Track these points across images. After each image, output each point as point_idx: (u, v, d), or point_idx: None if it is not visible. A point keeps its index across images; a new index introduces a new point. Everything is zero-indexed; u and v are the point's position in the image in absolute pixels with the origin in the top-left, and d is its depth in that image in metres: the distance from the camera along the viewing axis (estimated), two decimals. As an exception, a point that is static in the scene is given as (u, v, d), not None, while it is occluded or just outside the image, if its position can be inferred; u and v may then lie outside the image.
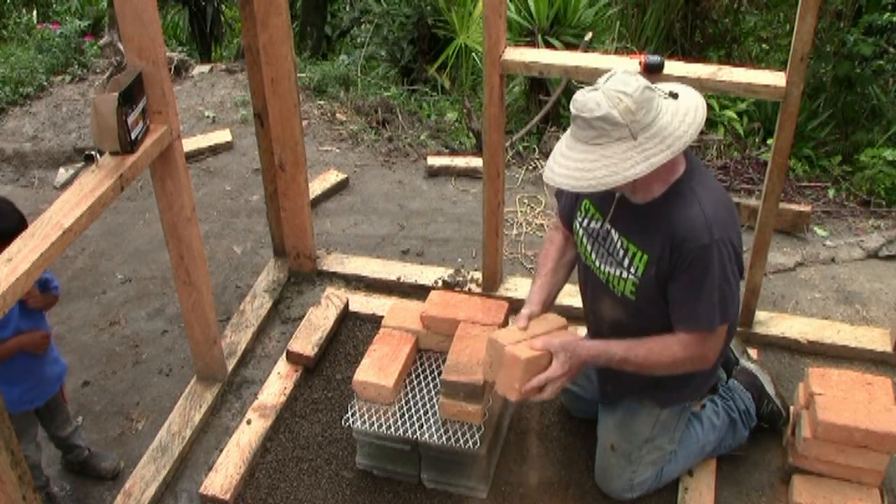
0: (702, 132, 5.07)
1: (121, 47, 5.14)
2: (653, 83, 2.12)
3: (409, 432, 2.52)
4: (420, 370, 2.70)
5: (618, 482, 2.55)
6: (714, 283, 2.15)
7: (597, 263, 2.38)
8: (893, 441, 2.39)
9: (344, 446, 2.79)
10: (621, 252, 2.29)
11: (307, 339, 3.13)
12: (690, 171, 2.20)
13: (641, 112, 2.02)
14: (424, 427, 2.53)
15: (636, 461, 2.50)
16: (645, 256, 2.23)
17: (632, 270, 2.27)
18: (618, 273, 2.30)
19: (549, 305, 2.48)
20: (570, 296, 2.87)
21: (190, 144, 4.56)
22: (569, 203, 2.48)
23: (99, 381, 3.17)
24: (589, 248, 2.39)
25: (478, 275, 3.44)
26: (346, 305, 3.33)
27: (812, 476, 2.54)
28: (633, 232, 2.26)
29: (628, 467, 2.52)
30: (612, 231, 2.30)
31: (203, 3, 7.53)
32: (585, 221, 2.39)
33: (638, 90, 2.02)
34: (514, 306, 2.76)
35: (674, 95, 2.12)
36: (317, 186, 4.19)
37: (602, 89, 2.05)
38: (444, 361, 2.52)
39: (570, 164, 2.08)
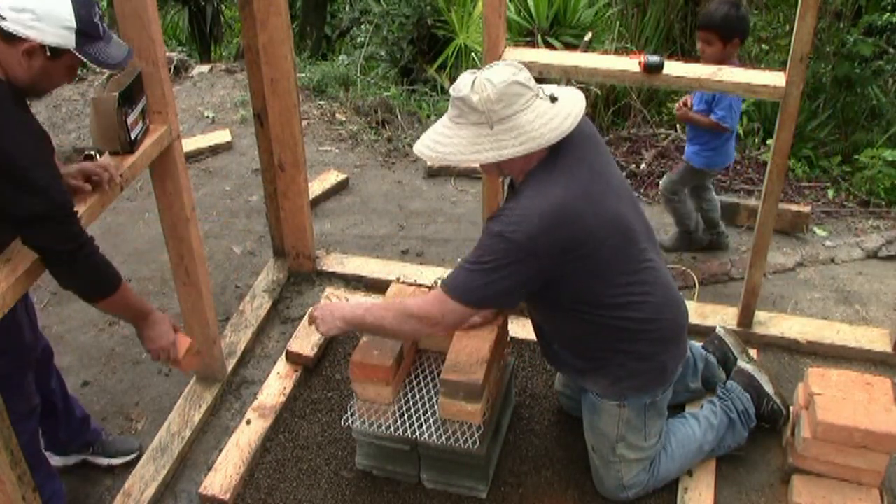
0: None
1: (120, 47, 5.13)
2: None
3: (409, 432, 2.52)
4: (420, 370, 2.70)
5: (608, 482, 2.55)
6: (478, 260, 2.15)
7: None
8: (893, 441, 2.39)
9: (343, 446, 2.79)
10: None
11: (307, 339, 3.13)
12: (539, 170, 2.17)
13: (500, 104, 2.07)
14: (424, 427, 2.52)
15: (616, 461, 2.50)
16: None
17: None
18: None
19: None
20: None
21: (190, 144, 4.56)
22: None
23: (98, 381, 3.17)
24: None
25: (477, 275, 3.44)
26: (346, 305, 3.33)
27: (811, 476, 2.54)
28: None
29: (612, 467, 2.52)
30: None
31: (203, 3, 7.55)
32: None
33: (505, 83, 2.08)
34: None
35: (553, 98, 2.14)
36: (316, 187, 4.19)
37: (479, 74, 2.12)
38: (443, 361, 2.52)
39: (432, 134, 2.18)
